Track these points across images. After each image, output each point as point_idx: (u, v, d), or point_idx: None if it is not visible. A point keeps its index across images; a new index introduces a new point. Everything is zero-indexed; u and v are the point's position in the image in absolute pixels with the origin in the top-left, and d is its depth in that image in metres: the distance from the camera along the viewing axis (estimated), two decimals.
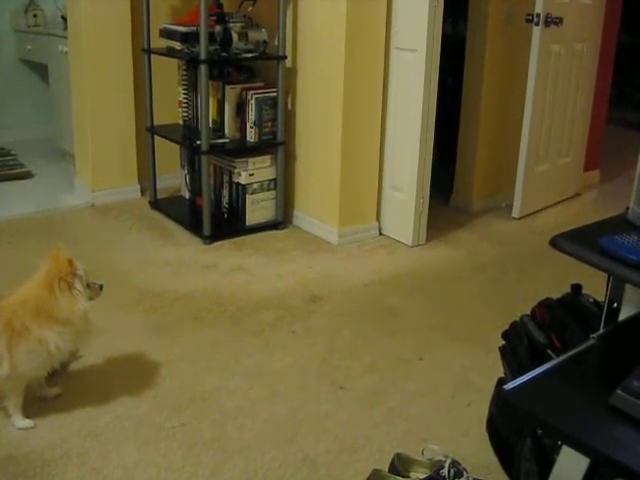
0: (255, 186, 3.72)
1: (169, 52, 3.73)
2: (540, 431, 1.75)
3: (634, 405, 1.20)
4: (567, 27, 3.93)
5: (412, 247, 3.65)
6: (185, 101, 3.89)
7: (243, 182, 3.69)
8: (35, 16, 5.11)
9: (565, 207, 4.39)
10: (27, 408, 2.16)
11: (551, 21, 3.80)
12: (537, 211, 4.23)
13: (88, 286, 2.13)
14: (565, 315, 1.93)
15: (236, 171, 3.70)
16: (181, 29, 3.62)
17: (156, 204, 4.08)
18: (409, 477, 1.86)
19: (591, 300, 1.98)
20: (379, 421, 2.22)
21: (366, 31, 3.43)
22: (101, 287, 2.19)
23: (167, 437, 2.12)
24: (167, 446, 2.08)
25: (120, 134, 4.12)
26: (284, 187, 3.81)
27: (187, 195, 4.15)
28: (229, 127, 3.74)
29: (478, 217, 4.14)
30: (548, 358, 1.82)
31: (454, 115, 4.23)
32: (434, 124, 3.53)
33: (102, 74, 3.97)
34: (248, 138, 3.73)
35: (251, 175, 3.69)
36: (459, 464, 1.82)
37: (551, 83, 4.02)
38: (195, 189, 4.05)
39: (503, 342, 2.11)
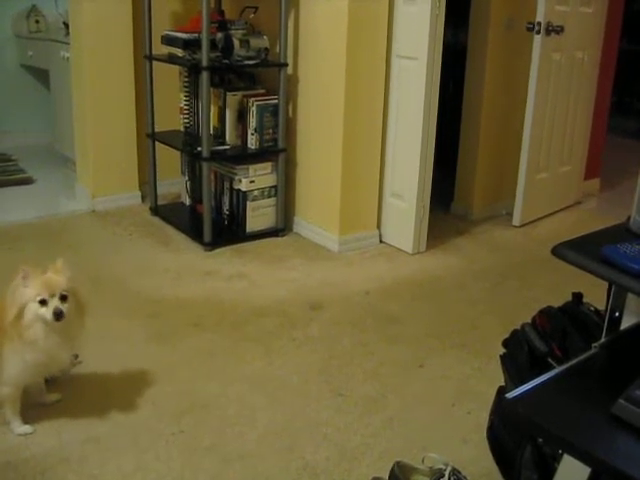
0: (256, 193, 3.72)
1: (171, 59, 3.74)
2: (541, 439, 1.75)
3: (636, 414, 1.20)
4: (568, 35, 3.93)
5: (412, 255, 3.64)
6: (186, 108, 3.89)
7: (244, 189, 3.69)
8: (37, 22, 5.13)
9: (565, 215, 4.39)
10: (26, 414, 2.16)
11: (552, 29, 3.80)
12: (537, 219, 4.23)
13: (64, 298, 2.04)
14: (566, 324, 1.93)
15: (237, 178, 3.70)
16: (183, 36, 3.62)
17: (157, 210, 4.08)
18: None
19: (592, 309, 1.98)
20: (379, 428, 2.22)
21: (367, 39, 3.43)
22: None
23: (166, 444, 2.11)
24: (166, 453, 2.07)
25: (121, 140, 4.12)
26: (285, 194, 3.81)
27: (188, 202, 4.15)
28: (230, 134, 3.75)
29: (478, 225, 4.14)
30: (549, 366, 1.82)
31: (455, 123, 4.23)
32: (435, 132, 3.54)
33: (103, 80, 3.98)
34: (249, 145, 3.73)
35: (252, 182, 3.69)
36: (459, 472, 1.82)
37: (552, 91, 4.03)
38: (196, 196, 4.05)
39: (504, 350, 2.11)
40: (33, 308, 1.98)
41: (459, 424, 2.25)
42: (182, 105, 3.91)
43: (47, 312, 1.98)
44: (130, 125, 4.12)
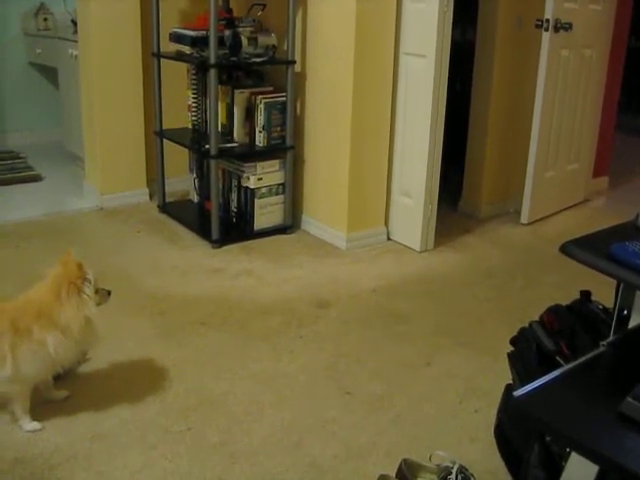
0: (263, 190, 3.72)
1: (178, 56, 3.74)
2: (548, 437, 1.74)
3: None
4: (576, 33, 3.92)
5: (420, 252, 3.64)
6: (194, 105, 3.90)
7: (252, 186, 3.69)
8: (45, 20, 5.13)
9: (573, 213, 4.38)
10: (35, 410, 2.17)
11: (560, 26, 3.79)
12: (545, 217, 4.22)
13: (97, 292, 2.12)
14: (574, 322, 1.92)
15: (245, 175, 3.70)
16: (191, 33, 3.62)
17: (164, 208, 4.08)
18: None
19: (600, 307, 1.97)
20: (386, 426, 2.22)
21: (375, 36, 3.43)
22: (109, 293, 2.19)
23: (174, 441, 2.12)
24: (174, 450, 2.08)
25: (129, 138, 4.13)
26: (292, 191, 3.81)
27: (196, 199, 4.16)
28: (238, 131, 3.75)
29: (486, 223, 4.13)
30: (557, 365, 1.81)
31: (463, 121, 4.22)
32: (443, 129, 3.53)
33: (112, 78, 3.99)
34: (257, 142, 3.73)
35: (260, 179, 3.69)
36: (466, 470, 1.82)
37: (560, 89, 4.01)
38: (204, 193, 4.05)
39: (511, 348, 2.11)
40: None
41: (466, 422, 2.25)
42: (190, 103, 3.92)
43: (104, 294, 2.18)
44: (138, 123, 4.12)
